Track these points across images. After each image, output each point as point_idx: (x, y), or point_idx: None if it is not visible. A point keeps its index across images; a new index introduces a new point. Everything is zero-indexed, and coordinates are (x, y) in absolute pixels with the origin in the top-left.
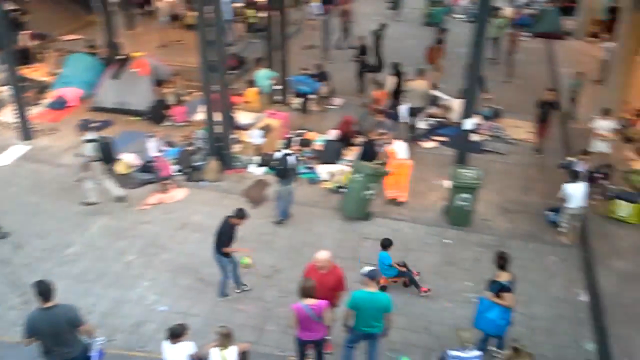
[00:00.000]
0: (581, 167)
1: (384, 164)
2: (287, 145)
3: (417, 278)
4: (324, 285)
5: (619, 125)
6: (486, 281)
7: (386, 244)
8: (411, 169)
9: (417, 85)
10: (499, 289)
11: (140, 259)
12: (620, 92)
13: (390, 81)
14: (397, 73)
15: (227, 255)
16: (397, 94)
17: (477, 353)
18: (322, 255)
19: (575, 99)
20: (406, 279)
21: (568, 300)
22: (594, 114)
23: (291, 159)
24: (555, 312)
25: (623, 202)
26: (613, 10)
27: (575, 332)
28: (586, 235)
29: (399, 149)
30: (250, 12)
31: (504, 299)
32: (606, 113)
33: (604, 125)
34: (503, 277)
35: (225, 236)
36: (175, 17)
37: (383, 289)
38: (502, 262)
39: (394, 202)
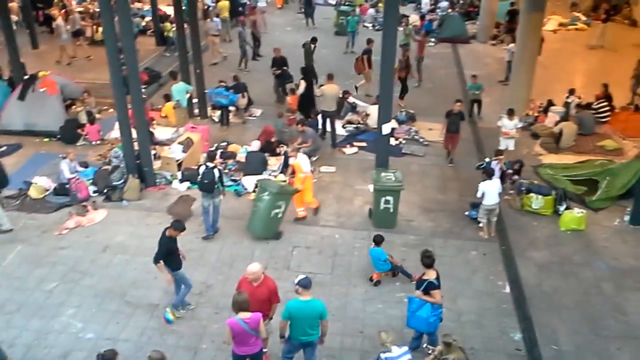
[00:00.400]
0: (496, 166)
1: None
2: (211, 158)
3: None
4: (257, 298)
5: (526, 123)
6: (414, 280)
7: (379, 240)
8: (312, 180)
9: (329, 89)
10: (427, 286)
11: (62, 286)
12: (524, 91)
13: (301, 86)
14: (307, 77)
15: (177, 267)
16: (309, 99)
17: (404, 349)
18: (254, 267)
19: (477, 101)
20: (396, 271)
21: (492, 293)
22: (500, 114)
23: (215, 172)
24: (481, 305)
25: (535, 196)
26: (513, 13)
27: (502, 323)
28: (504, 229)
29: (303, 162)
30: (167, 25)
31: (433, 296)
32: (511, 113)
33: (509, 124)
34: (430, 275)
35: (162, 248)
36: (77, 33)
37: (378, 283)
38: (428, 260)
39: (313, 211)
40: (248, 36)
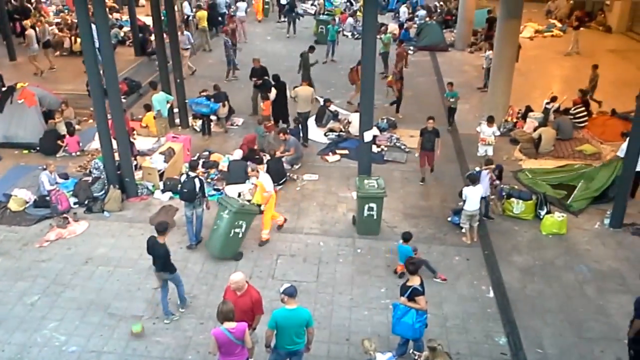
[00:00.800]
0: (486, 176)
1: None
2: (193, 167)
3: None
4: (240, 308)
5: (505, 129)
6: (399, 287)
7: (407, 238)
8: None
9: (302, 90)
10: (412, 293)
11: (44, 299)
12: (502, 98)
13: (272, 93)
14: (278, 85)
15: (175, 269)
16: (281, 105)
17: (388, 355)
18: (236, 276)
19: (453, 108)
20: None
21: (476, 298)
22: (479, 120)
23: (195, 182)
24: (466, 310)
25: (516, 200)
26: (491, 21)
27: (487, 328)
28: (486, 234)
29: (265, 181)
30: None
31: (418, 302)
32: (490, 120)
33: (487, 130)
34: (414, 281)
35: (167, 255)
36: (46, 44)
37: (402, 275)
38: (412, 267)
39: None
40: (228, 47)
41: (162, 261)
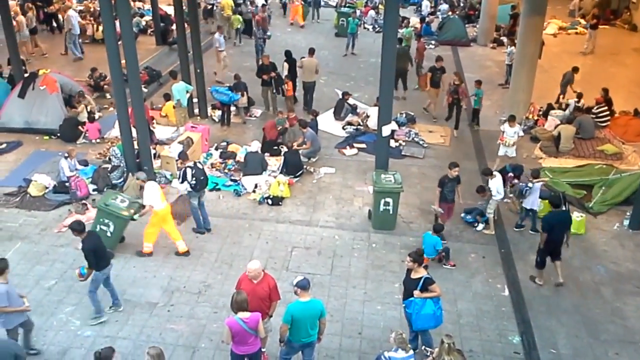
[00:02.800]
0: (537, 188)
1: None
2: (184, 158)
3: None
4: (257, 295)
5: (526, 126)
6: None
7: (439, 229)
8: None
9: (308, 62)
10: (425, 283)
11: (61, 284)
12: (524, 94)
13: (285, 67)
14: (289, 60)
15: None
16: (292, 78)
17: (410, 353)
18: (254, 265)
19: (477, 109)
20: (442, 256)
21: (491, 296)
22: (500, 117)
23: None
24: (480, 308)
25: None
26: (513, 17)
27: (501, 326)
28: (503, 232)
29: (149, 194)
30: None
31: (433, 290)
32: (512, 119)
33: (510, 130)
34: (420, 272)
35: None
36: (34, 31)
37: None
38: (419, 257)
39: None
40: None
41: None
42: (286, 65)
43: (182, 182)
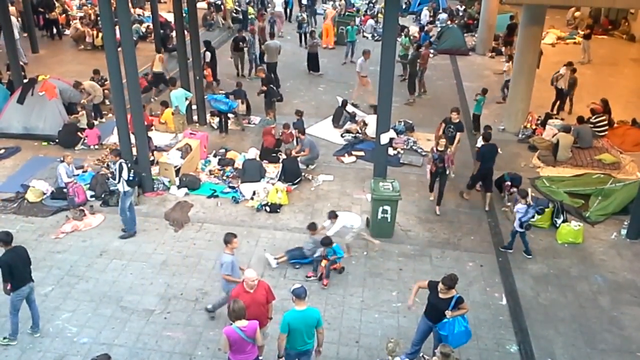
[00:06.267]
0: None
1: None
2: (118, 154)
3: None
4: (257, 302)
5: (524, 135)
6: (410, 291)
7: (326, 242)
8: None
9: (272, 44)
10: (457, 302)
11: (57, 290)
12: (522, 103)
13: (207, 55)
14: (210, 48)
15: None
16: (211, 66)
17: None
18: (252, 273)
19: (477, 115)
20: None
21: (489, 305)
22: (499, 126)
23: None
24: (478, 317)
25: None
26: (511, 26)
27: (498, 335)
28: (501, 241)
29: None
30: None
31: (464, 307)
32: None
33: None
34: (452, 292)
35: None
36: None
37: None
38: (450, 282)
39: None
40: (256, 44)
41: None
42: (208, 54)
43: (118, 180)
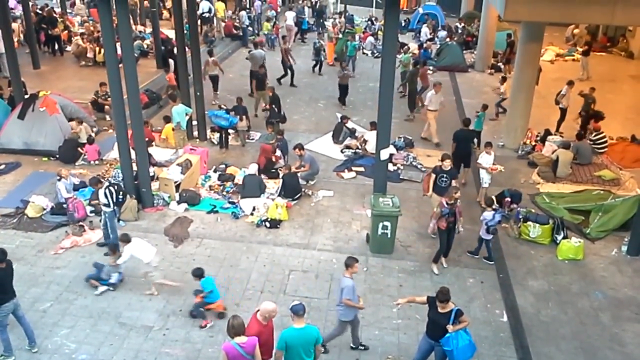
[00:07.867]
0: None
1: None
2: (94, 183)
3: None
4: (267, 335)
5: (523, 151)
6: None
7: (198, 274)
8: None
9: (257, 52)
10: (456, 315)
11: (56, 306)
12: (521, 120)
13: (172, 64)
14: (173, 55)
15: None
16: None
17: None
18: (271, 305)
19: (478, 131)
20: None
21: (490, 322)
22: (498, 142)
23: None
24: (479, 334)
25: (533, 224)
26: (510, 44)
27: (499, 352)
28: (501, 257)
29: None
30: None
31: (464, 320)
32: (488, 146)
33: (487, 159)
34: (449, 306)
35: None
36: None
37: None
38: (443, 296)
39: None
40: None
41: None
42: (172, 62)
43: (108, 205)
